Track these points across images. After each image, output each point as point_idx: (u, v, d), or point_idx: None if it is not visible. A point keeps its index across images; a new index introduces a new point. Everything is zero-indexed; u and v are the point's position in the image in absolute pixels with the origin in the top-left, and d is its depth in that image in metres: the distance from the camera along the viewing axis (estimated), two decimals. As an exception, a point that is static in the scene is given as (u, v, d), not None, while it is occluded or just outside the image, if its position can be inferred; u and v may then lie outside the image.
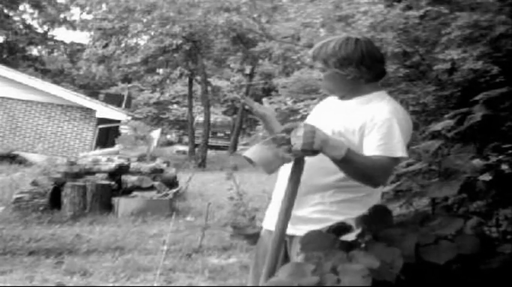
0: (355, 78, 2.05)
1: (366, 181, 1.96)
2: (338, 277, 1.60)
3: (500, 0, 4.10)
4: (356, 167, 1.91)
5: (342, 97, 2.13)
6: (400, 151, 1.95)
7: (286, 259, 2.06)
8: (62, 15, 32.25)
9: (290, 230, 2.01)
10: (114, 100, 23.65)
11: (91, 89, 30.55)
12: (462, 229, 1.95)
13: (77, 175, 7.96)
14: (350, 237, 1.83)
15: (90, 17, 22.87)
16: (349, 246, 1.78)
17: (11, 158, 14.76)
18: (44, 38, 33.36)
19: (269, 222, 2.13)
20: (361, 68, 2.04)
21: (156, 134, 21.21)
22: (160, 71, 22.58)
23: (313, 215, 2.03)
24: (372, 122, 1.98)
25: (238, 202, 5.92)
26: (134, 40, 20.41)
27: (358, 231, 1.84)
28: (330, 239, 1.81)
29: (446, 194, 2.27)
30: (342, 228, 1.86)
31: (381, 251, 1.74)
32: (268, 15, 15.40)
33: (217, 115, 29.90)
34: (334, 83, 2.10)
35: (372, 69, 2.07)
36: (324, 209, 2.02)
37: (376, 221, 1.88)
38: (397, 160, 2.00)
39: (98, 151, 11.69)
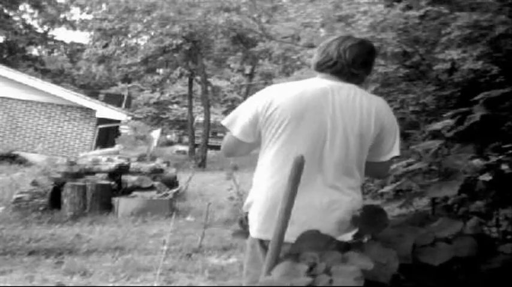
0: None
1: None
2: (331, 278, 1.60)
3: (500, 0, 4.10)
4: None
5: None
6: None
7: None
8: (62, 15, 32.22)
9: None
10: (114, 100, 23.63)
11: (91, 89, 30.56)
12: (461, 230, 1.94)
13: (77, 175, 7.96)
14: (346, 237, 1.83)
15: (90, 17, 22.89)
16: (347, 246, 1.77)
17: (11, 158, 14.74)
18: (44, 38, 33.32)
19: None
20: None
21: (156, 134, 21.23)
22: (160, 71, 22.58)
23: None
24: None
25: (238, 202, 5.91)
26: (134, 40, 20.42)
27: (354, 231, 1.84)
28: (326, 240, 1.80)
29: (446, 194, 2.27)
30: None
31: (377, 252, 1.73)
32: (268, 15, 15.40)
33: (217, 115, 29.85)
34: None
35: None
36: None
37: (371, 221, 1.88)
38: None
39: (98, 151, 11.68)
